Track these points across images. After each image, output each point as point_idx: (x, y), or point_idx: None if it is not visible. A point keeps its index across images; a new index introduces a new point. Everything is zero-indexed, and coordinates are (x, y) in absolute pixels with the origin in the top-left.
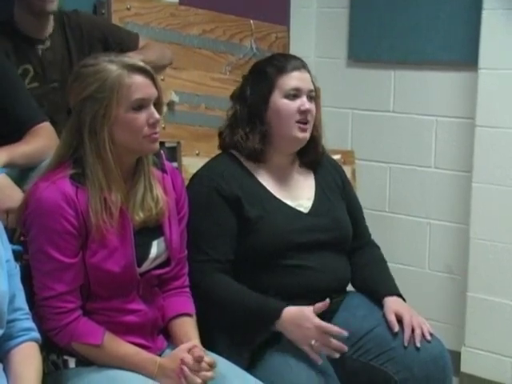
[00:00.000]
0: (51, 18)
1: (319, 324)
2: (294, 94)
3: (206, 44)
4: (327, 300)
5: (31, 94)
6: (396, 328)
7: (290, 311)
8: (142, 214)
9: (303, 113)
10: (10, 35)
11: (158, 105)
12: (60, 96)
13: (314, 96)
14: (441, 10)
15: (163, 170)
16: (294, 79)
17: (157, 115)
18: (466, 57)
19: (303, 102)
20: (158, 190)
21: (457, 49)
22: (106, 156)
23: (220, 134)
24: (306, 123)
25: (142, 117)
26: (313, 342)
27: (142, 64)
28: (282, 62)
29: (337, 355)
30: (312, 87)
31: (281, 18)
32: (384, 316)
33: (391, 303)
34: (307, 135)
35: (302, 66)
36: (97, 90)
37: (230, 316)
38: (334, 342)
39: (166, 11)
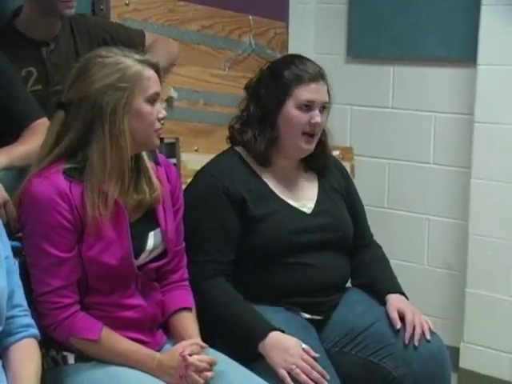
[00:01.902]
0: (58, 22)
1: (307, 357)
2: (307, 106)
3: (205, 40)
4: (318, 356)
5: (34, 96)
6: (398, 325)
7: (278, 335)
8: (135, 196)
9: (312, 125)
10: (12, 38)
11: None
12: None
13: (327, 107)
14: (440, 6)
15: (156, 162)
16: (309, 91)
17: (164, 111)
18: (464, 53)
19: (314, 115)
20: (153, 177)
21: (456, 45)
22: (125, 145)
23: (231, 127)
24: (312, 135)
25: (154, 111)
26: (293, 367)
27: (154, 60)
28: (301, 69)
29: None
30: (326, 99)
31: (280, 14)
32: (386, 313)
33: (394, 300)
34: (312, 147)
35: (320, 76)
36: (119, 79)
37: (221, 326)
38: (315, 374)
39: (165, 7)
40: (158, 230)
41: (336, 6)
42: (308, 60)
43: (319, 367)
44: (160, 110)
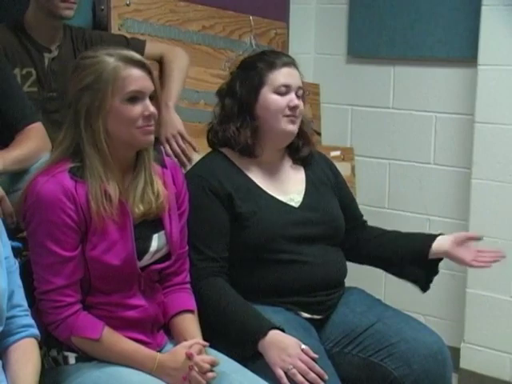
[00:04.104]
0: (61, 28)
1: (305, 358)
2: (284, 91)
3: (206, 40)
4: (317, 356)
5: (28, 97)
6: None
7: (278, 334)
8: (142, 207)
9: (292, 109)
10: (19, 36)
11: (155, 99)
12: (56, 106)
13: (301, 94)
14: (440, 6)
15: (163, 165)
16: (283, 75)
17: (151, 108)
18: (465, 53)
19: (292, 99)
20: (159, 185)
21: (456, 45)
22: (102, 147)
23: (209, 132)
24: (295, 117)
25: (136, 109)
26: (290, 367)
27: (138, 57)
28: (272, 57)
29: None
30: (300, 84)
31: (280, 15)
32: (382, 307)
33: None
34: (295, 128)
35: (291, 62)
36: (93, 81)
37: (221, 324)
38: (312, 375)
39: (166, 7)
40: (163, 232)
41: (336, 6)
42: (279, 51)
43: (318, 368)
44: (146, 107)
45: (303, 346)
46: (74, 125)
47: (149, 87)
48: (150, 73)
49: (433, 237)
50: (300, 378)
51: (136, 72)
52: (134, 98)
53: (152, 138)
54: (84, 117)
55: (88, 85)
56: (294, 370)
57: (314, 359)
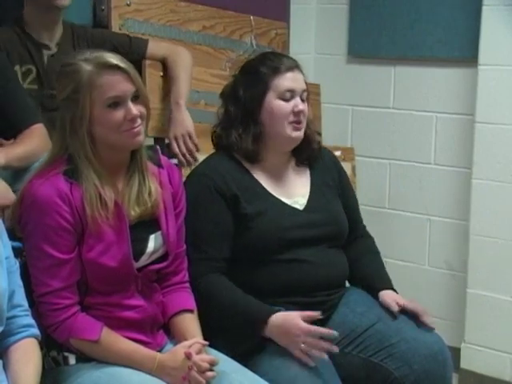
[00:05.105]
0: (60, 23)
1: (307, 328)
2: (288, 96)
3: (206, 40)
4: (318, 312)
5: (28, 95)
6: (396, 308)
7: (278, 318)
8: (137, 209)
9: (297, 114)
10: (19, 34)
11: (139, 98)
12: (55, 104)
13: (306, 97)
14: (440, 5)
15: (159, 165)
16: (287, 80)
17: (134, 111)
18: (466, 53)
19: (297, 103)
20: (152, 183)
21: (457, 45)
22: (88, 155)
23: (213, 133)
24: (299, 123)
25: (118, 114)
26: (302, 346)
27: (114, 61)
28: (275, 62)
29: (325, 356)
30: (305, 87)
31: (281, 15)
32: (382, 307)
33: (389, 295)
34: (301, 134)
35: (295, 66)
36: (72, 91)
37: (223, 318)
38: (323, 343)
39: (166, 7)
40: (159, 232)
41: (337, 6)
42: (282, 54)
43: (322, 329)
44: (129, 110)
45: (301, 315)
46: (62, 131)
47: (128, 90)
48: (128, 74)
49: (378, 289)
50: (314, 352)
51: (112, 77)
52: (114, 103)
53: (141, 138)
54: (69, 126)
55: (68, 95)
56: (305, 347)
57: (314, 322)
